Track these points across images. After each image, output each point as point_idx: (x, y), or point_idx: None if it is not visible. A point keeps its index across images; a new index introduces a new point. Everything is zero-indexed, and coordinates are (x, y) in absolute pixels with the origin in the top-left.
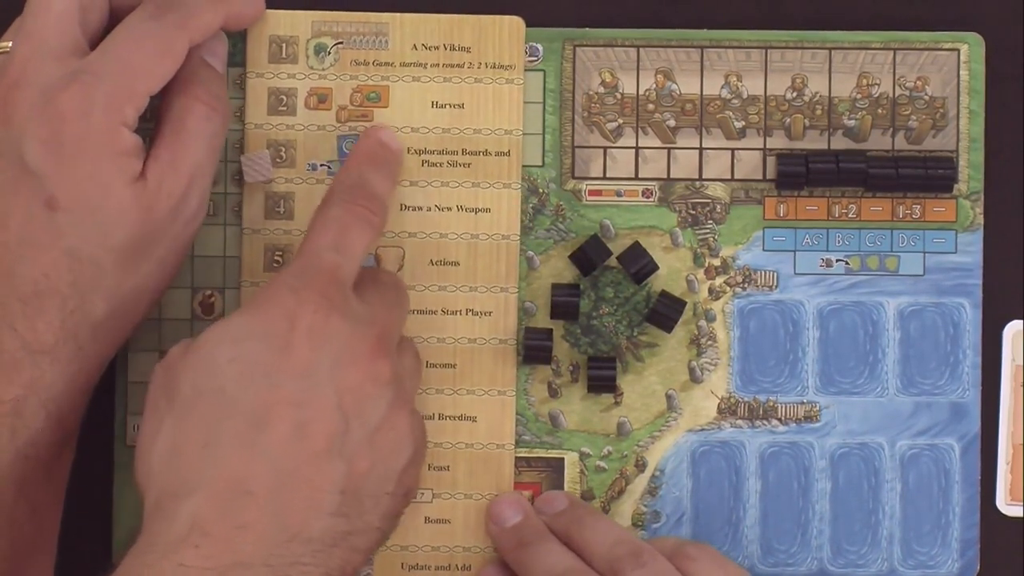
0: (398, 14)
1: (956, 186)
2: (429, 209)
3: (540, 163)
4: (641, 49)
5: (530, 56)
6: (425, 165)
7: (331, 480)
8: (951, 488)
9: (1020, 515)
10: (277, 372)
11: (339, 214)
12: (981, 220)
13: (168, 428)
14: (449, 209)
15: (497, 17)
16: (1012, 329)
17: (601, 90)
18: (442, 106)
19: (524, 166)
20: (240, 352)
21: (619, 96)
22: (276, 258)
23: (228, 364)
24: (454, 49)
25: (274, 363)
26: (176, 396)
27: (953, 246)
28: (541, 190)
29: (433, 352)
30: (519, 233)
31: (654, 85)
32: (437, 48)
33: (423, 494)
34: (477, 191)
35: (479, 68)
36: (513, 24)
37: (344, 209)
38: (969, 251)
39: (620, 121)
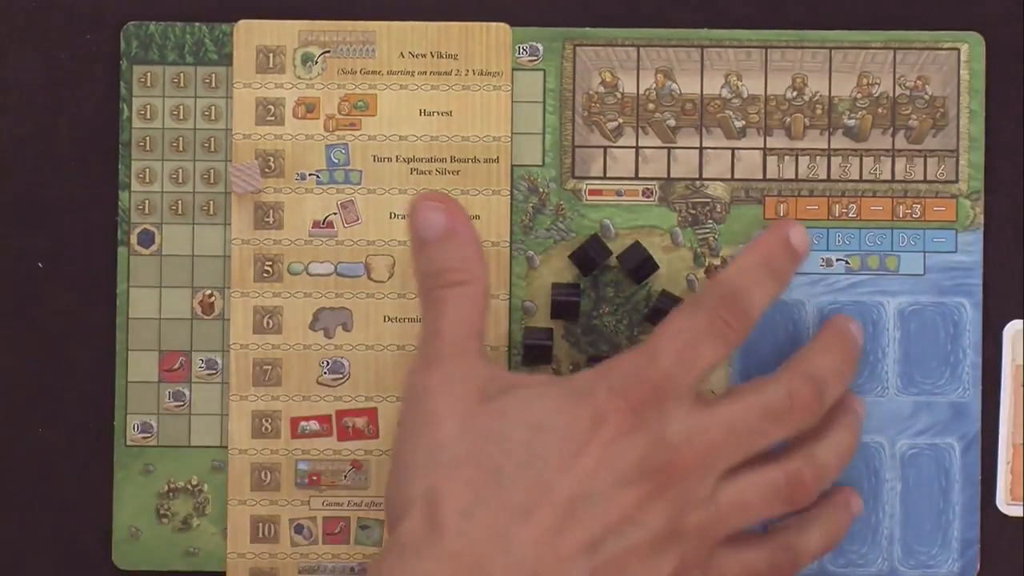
0: (384, 22)
1: (956, 186)
2: None
3: (540, 163)
4: (641, 49)
5: (530, 56)
6: (414, 173)
7: None
8: (951, 488)
9: (1020, 515)
10: (559, 473)
11: (696, 324)
12: (981, 220)
13: (429, 470)
14: None
15: (484, 24)
16: (1012, 329)
17: (601, 90)
18: (430, 114)
19: (524, 165)
20: (533, 439)
21: (619, 96)
22: (266, 268)
23: (517, 446)
24: (441, 56)
25: (560, 464)
26: (448, 442)
27: (953, 246)
28: (541, 190)
29: None
30: (510, 240)
31: (654, 85)
32: (424, 56)
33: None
34: (467, 198)
35: (467, 75)
36: (500, 31)
37: (705, 319)
38: (969, 251)
39: (620, 121)
